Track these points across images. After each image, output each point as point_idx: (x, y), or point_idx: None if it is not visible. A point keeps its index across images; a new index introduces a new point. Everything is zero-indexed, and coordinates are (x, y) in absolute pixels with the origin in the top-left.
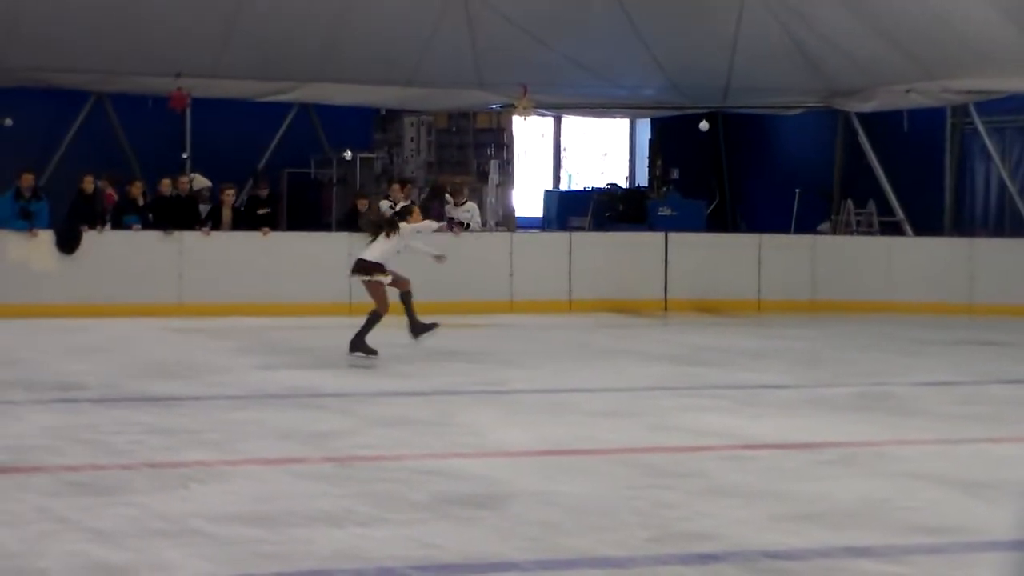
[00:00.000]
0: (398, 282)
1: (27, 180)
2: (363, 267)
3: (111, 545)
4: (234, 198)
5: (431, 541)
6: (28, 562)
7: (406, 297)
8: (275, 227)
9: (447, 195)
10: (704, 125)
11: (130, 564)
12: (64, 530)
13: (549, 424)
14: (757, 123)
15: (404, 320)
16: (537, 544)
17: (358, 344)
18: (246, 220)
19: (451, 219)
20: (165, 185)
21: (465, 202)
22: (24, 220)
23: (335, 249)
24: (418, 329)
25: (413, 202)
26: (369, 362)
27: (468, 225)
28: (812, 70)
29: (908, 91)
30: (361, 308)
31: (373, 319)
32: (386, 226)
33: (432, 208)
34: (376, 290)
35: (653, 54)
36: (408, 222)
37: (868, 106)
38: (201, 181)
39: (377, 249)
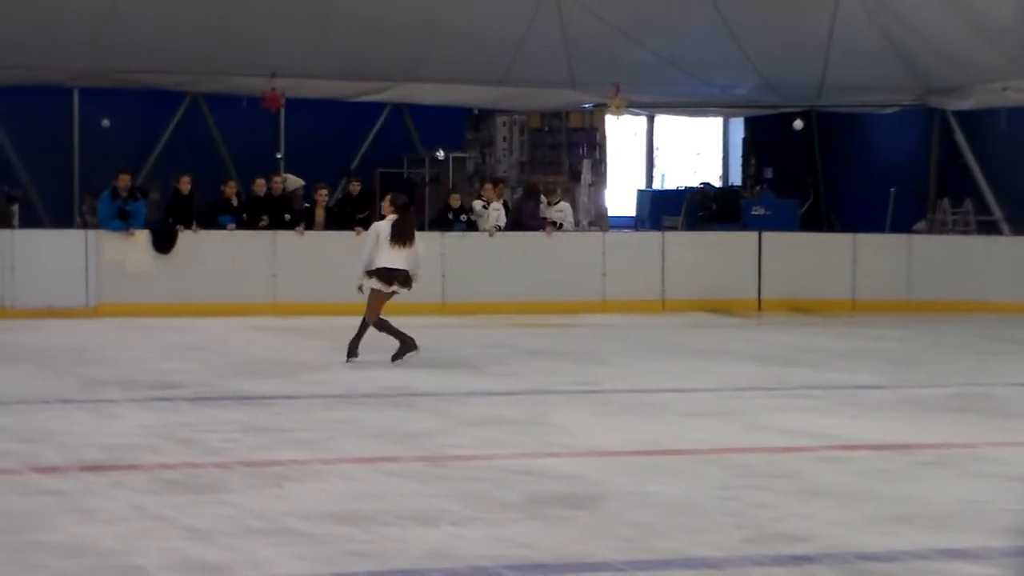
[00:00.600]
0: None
1: (124, 180)
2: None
3: (206, 543)
4: (327, 198)
5: (524, 541)
6: (124, 559)
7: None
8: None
9: (541, 195)
10: (798, 124)
11: (225, 562)
12: (160, 528)
13: (642, 424)
14: (852, 121)
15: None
16: (630, 544)
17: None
18: (339, 219)
19: (544, 219)
20: (259, 185)
21: (559, 202)
22: (121, 220)
23: (428, 248)
24: (352, 350)
25: (502, 202)
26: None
27: (561, 225)
28: (907, 68)
29: (1005, 88)
30: (454, 308)
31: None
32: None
33: (526, 208)
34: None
35: (746, 52)
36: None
37: (965, 104)
38: (294, 181)
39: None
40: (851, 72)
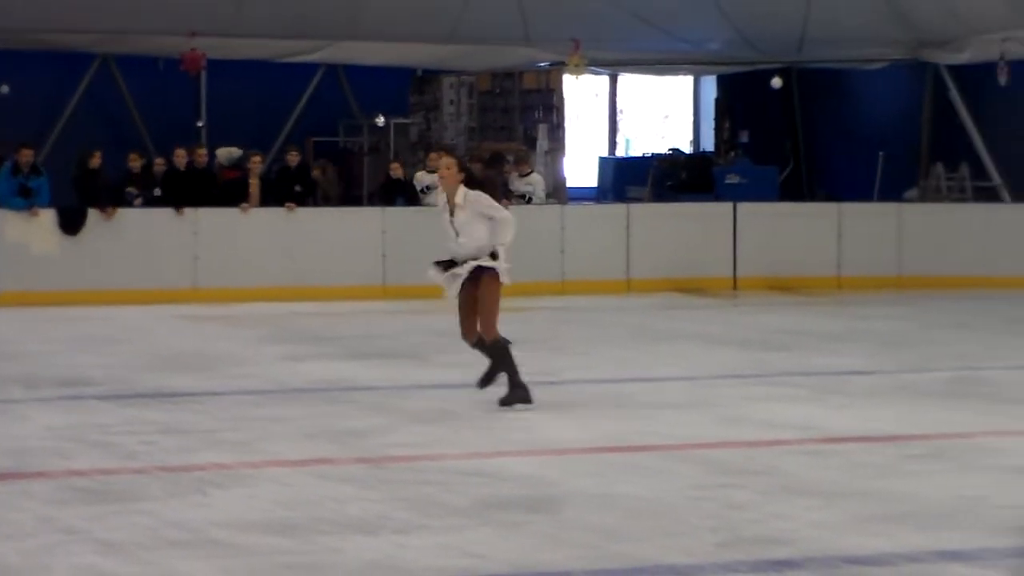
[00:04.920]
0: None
1: (25, 155)
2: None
3: (122, 557)
4: (261, 167)
5: (475, 550)
6: None
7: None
8: (304, 202)
9: (506, 165)
10: (776, 82)
11: None
12: (70, 541)
13: (606, 418)
14: (836, 79)
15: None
16: (593, 552)
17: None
18: (275, 194)
19: (512, 191)
20: (179, 156)
21: (530, 172)
22: (23, 198)
23: (367, 226)
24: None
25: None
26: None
27: (530, 199)
28: (897, 18)
29: (1005, 40)
30: (396, 291)
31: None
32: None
33: (489, 178)
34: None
35: (719, 3)
36: None
37: (960, 58)
38: (229, 154)
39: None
40: (835, 24)
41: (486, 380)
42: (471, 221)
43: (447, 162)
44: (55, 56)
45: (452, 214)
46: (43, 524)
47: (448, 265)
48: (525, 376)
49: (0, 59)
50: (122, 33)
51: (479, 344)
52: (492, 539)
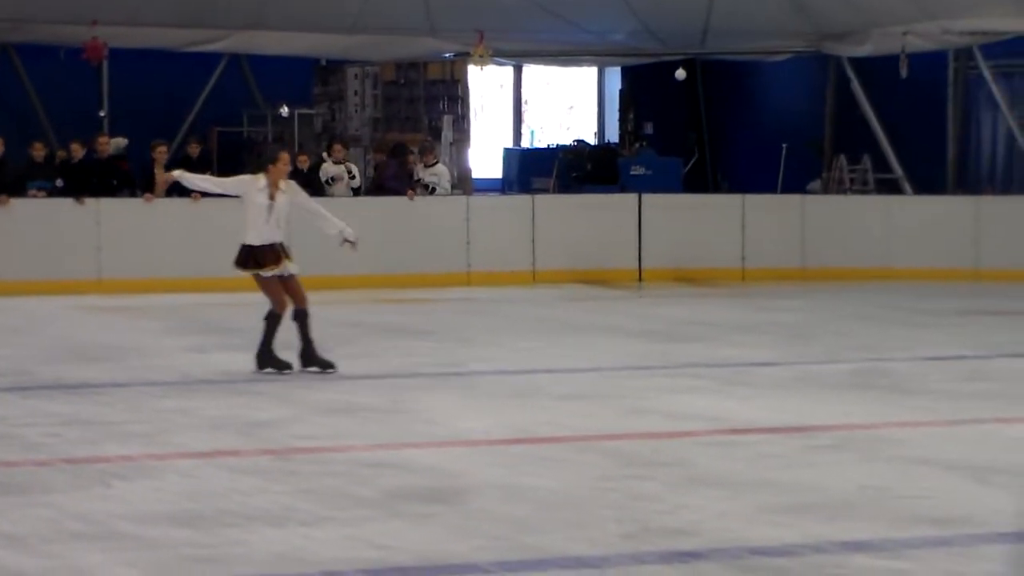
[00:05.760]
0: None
1: None
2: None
3: (24, 550)
4: (166, 156)
5: (382, 542)
6: None
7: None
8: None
9: (409, 155)
10: (680, 73)
11: (45, 571)
12: None
13: (512, 409)
14: (739, 70)
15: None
16: (501, 543)
17: (265, 358)
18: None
19: (418, 181)
20: (76, 150)
21: (436, 163)
22: None
23: None
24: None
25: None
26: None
27: (434, 189)
28: (799, 11)
29: (906, 33)
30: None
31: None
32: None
33: (389, 168)
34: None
35: None
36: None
37: (862, 50)
38: (117, 143)
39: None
40: (738, 16)
41: (308, 357)
42: (285, 207)
43: (286, 157)
44: None
45: (272, 198)
46: None
47: (269, 251)
48: (433, 367)
49: None
50: (22, 21)
51: (297, 315)
52: (399, 530)
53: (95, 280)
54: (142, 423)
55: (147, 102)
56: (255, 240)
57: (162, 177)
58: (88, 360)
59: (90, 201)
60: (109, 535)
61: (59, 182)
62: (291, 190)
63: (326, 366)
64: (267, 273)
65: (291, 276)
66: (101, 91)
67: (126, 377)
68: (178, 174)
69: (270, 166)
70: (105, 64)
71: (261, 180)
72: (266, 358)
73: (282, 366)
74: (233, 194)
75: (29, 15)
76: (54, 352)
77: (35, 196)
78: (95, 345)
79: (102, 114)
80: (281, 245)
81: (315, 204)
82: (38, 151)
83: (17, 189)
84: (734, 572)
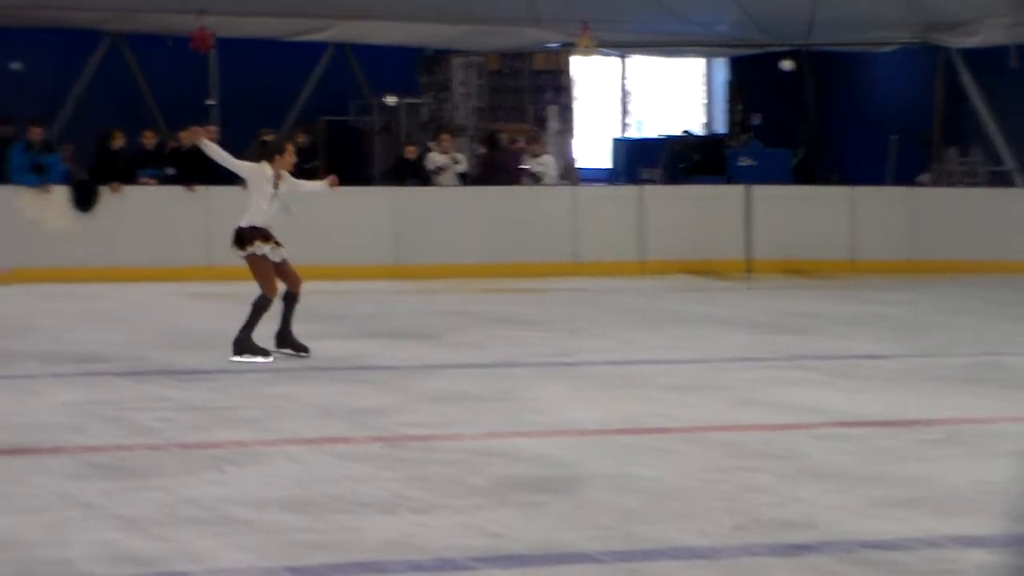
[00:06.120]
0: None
1: (36, 134)
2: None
3: (139, 533)
4: None
5: (493, 529)
6: (49, 552)
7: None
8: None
9: (502, 144)
10: (787, 64)
11: (160, 554)
12: (88, 517)
13: (621, 399)
14: (847, 62)
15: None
16: (611, 533)
17: (244, 344)
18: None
19: (525, 169)
20: (184, 138)
21: (542, 153)
22: (36, 174)
23: (378, 205)
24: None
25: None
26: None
27: (541, 178)
28: (907, 1)
29: (1016, 24)
30: (408, 271)
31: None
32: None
33: (496, 159)
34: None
35: None
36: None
37: (971, 41)
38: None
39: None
40: (845, 6)
41: (284, 338)
42: (284, 197)
43: (292, 149)
44: (66, 33)
45: (276, 187)
46: (60, 500)
47: (261, 234)
48: (541, 357)
49: (12, 36)
50: (132, 11)
51: (288, 298)
52: (511, 519)
53: (205, 267)
54: (253, 409)
55: (254, 91)
56: (255, 224)
57: (193, 132)
58: (199, 346)
59: (200, 189)
60: (221, 520)
61: (170, 170)
62: (288, 181)
63: (300, 349)
64: (260, 250)
65: (283, 261)
66: (208, 80)
67: (236, 364)
68: (202, 140)
69: (277, 156)
70: (212, 53)
71: (267, 169)
72: (244, 344)
73: (258, 351)
74: (243, 176)
75: (138, 5)
76: (166, 338)
77: (146, 184)
78: (206, 332)
79: (210, 102)
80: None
81: (301, 182)
82: (149, 139)
83: (128, 177)
84: (847, 565)
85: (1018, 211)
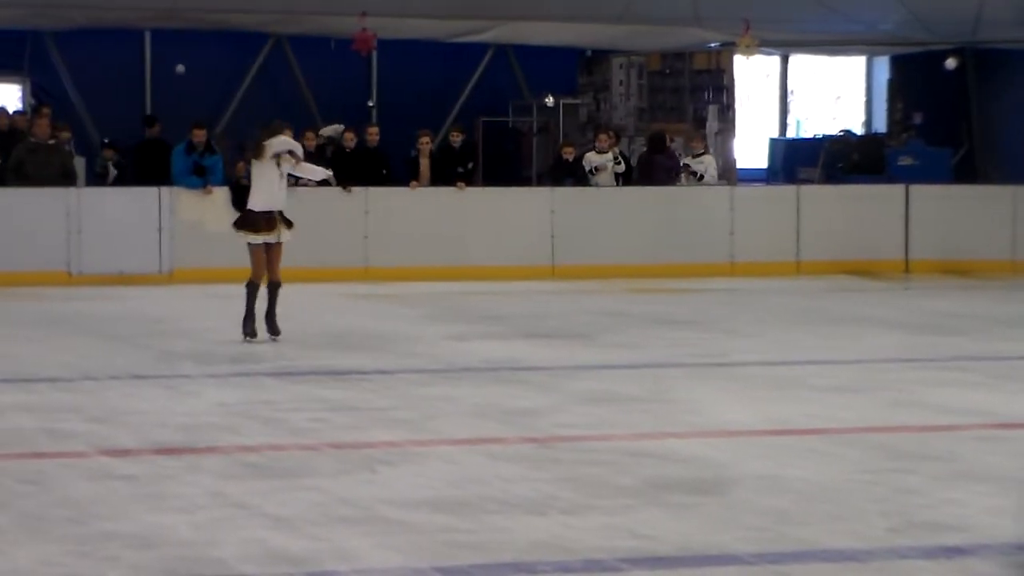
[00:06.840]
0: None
1: (198, 136)
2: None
3: (292, 533)
4: (430, 146)
5: (643, 531)
6: (202, 551)
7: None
8: (471, 182)
9: (668, 145)
10: (951, 63)
11: (312, 553)
12: (241, 516)
13: (776, 400)
14: (1012, 60)
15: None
16: (762, 535)
17: (243, 324)
18: (441, 174)
19: (686, 166)
20: (348, 138)
21: (702, 153)
22: (198, 176)
23: (536, 206)
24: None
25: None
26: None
27: (702, 177)
28: None
29: None
30: (565, 271)
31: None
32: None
33: (655, 160)
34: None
35: None
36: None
37: None
38: (335, 129)
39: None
40: (1012, 4)
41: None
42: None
43: (290, 132)
44: (229, 36)
45: (279, 166)
46: (214, 499)
47: (267, 218)
48: (696, 357)
49: (177, 39)
50: (295, 13)
51: (270, 287)
52: (661, 520)
53: (362, 268)
54: (407, 410)
55: (414, 92)
56: (259, 206)
57: (426, 166)
58: (355, 347)
59: (358, 190)
60: (373, 519)
61: (329, 171)
62: (287, 161)
63: (275, 333)
64: (257, 240)
65: (277, 244)
66: (370, 81)
67: (391, 364)
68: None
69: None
70: (374, 55)
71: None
72: (244, 325)
73: (250, 333)
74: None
75: (300, 7)
76: (322, 339)
77: (306, 185)
78: (361, 332)
79: (371, 104)
80: (280, 213)
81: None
82: (310, 140)
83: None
84: (1000, 569)
85: None
